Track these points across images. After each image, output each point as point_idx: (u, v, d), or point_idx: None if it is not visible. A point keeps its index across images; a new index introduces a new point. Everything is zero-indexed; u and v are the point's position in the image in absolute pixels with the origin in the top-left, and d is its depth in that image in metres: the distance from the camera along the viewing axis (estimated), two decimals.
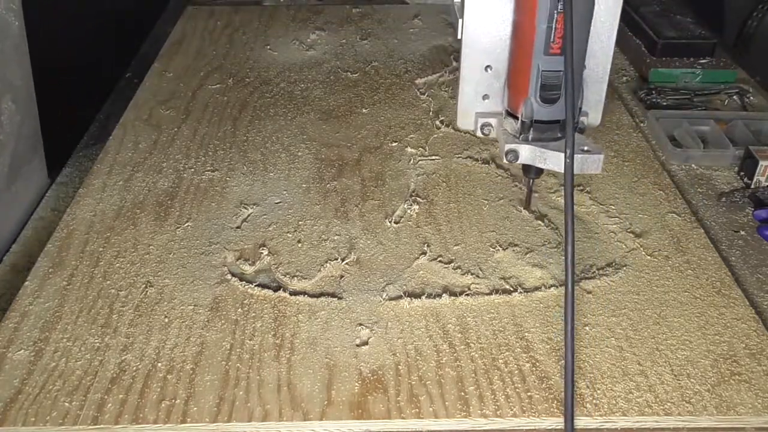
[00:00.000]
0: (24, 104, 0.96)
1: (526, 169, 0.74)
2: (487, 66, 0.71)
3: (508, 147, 0.70)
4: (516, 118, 0.69)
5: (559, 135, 0.68)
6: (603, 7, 0.66)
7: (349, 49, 1.34)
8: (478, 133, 0.74)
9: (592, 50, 0.67)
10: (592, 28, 0.66)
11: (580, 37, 0.64)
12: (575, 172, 0.66)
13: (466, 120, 0.74)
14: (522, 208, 0.91)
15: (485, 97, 0.72)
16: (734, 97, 1.17)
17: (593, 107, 0.70)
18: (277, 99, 1.17)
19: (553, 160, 0.68)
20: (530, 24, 0.64)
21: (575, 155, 0.66)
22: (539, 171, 0.72)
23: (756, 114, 1.12)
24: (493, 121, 0.73)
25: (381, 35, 1.39)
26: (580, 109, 0.70)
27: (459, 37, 0.70)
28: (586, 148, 0.68)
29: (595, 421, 0.65)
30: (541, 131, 0.68)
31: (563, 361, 0.70)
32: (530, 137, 0.69)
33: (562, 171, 0.66)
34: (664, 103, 1.15)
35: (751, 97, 1.17)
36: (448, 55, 1.30)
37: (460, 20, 0.70)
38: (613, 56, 0.69)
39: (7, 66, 0.92)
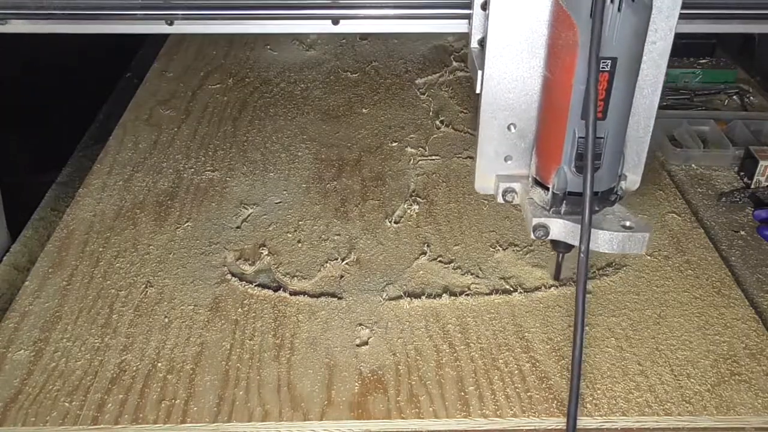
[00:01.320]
0: None
1: (555, 243, 0.65)
2: (511, 124, 0.62)
3: (536, 221, 0.61)
4: (546, 188, 0.60)
5: (596, 208, 0.60)
6: (647, 58, 0.57)
7: (349, 49, 1.34)
8: (499, 199, 0.65)
9: (634, 107, 0.58)
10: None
11: (624, 96, 0.56)
12: (616, 251, 0.59)
13: (484, 183, 0.65)
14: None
15: (508, 158, 0.64)
16: (734, 97, 1.17)
17: (632, 169, 0.62)
18: (277, 99, 1.17)
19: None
20: (566, 83, 0.55)
21: (619, 234, 0.59)
22: (570, 246, 0.64)
23: (756, 114, 1.12)
24: (517, 186, 0.64)
25: (381, 35, 1.39)
26: (620, 175, 0.61)
27: (478, 91, 0.61)
28: (628, 224, 0.59)
29: (595, 421, 0.65)
30: (575, 204, 0.59)
31: (563, 361, 0.70)
32: (563, 210, 0.60)
33: (599, 250, 0.59)
34: (664, 103, 1.15)
35: (751, 97, 1.17)
36: (448, 55, 1.30)
37: (479, 72, 0.61)
38: (656, 112, 0.61)
39: None
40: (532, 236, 0.61)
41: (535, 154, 0.62)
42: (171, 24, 0.73)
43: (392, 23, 0.75)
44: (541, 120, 0.60)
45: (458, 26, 0.71)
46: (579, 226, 0.57)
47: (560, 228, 0.61)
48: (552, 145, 0.59)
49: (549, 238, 0.61)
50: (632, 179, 0.62)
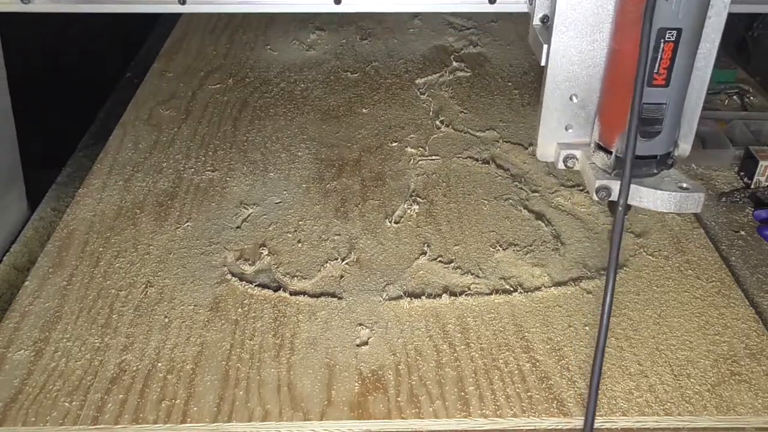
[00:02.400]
0: (1, 132, 0.91)
1: (613, 205, 0.68)
2: (573, 95, 0.66)
3: (599, 183, 0.64)
4: (608, 152, 0.64)
5: (655, 171, 0.64)
6: (703, 33, 0.61)
7: (349, 49, 1.34)
8: (560, 165, 0.69)
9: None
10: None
11: (686, 66, 0.60)
12: (674, 210, 0.63)
13: (545, 151, 0.69)
14: (521, 208, 0.91)
15: (568, 127, 0.67)
16: (734, 97, 1.17)
17: (684, 138, 0.66)
18: (277, 99, 1.17)
19: (649, 198, 0.64)
20: (633, 53, 0.59)
21: (677, 194, 0.63)
22: (628, 208, 0.66)
23: (756, 114, 1.12)
24: (578, 153, 0.68)
25: (381, 35, 1.39)
26: (676, 141, 0.65)
27: (543, 63, 0.65)
28: (684, 185, 0.63)
29: (595, 421, 0.65)
30: (637, 167, 0.63)
31: (563, 361, 0.70)
32: None
33: (657, 209, 0.64)
34: None
35: (751, 97, 1.17)
36: (448, 55, 1.30)
37: (545, 46, 0.64)
38: (708, 85, 0.65)
39: None
40: (595, 197, 0.65)
41: (599, 121, 0.65)
42: (183, 3, 0.76)
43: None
44: (607, 89, 0.64)
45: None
46: (639, 187, 0.62)
47: None
48: (617, 111, 0.62)
49: (611, 198, 0.65)
50: (684, 147, 0.66)
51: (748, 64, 1.31)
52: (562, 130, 0.67)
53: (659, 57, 0.58)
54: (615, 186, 0.64)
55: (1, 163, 0.90)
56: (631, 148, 0.58)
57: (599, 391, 0.67)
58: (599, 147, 0.65)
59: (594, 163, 0.66)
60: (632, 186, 0.63)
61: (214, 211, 0.91)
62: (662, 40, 0.57)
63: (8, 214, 0.91)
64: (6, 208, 0.91)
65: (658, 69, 0.59)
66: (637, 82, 0.57)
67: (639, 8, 0.57)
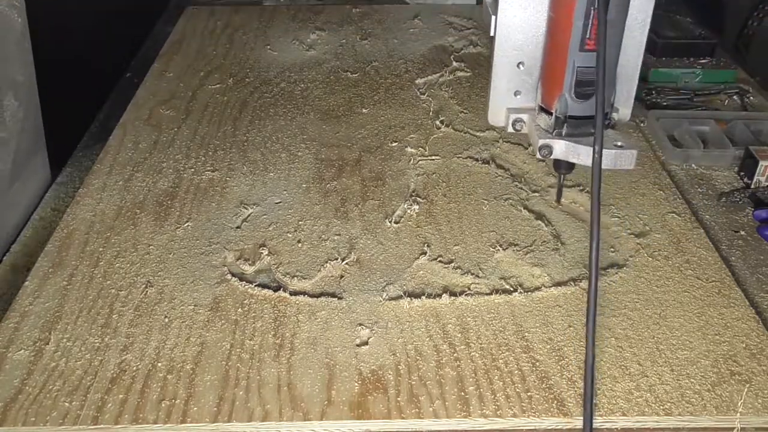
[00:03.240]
0: (26, 100, 0.96)
1: (558, 164, 0.74)
2: (520, 63, 0.71)
3: (542, 142, 0.70)
4: (550, 113, 0.70)
5: (593, 130, 0.67)
6: (636, 3, 0.66)
7: (349, 49, 1.34)
8: (509, 129, 0.74)
9: (624, 46, 0.68)
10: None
11: (615, 33, 0.65)
12: (608, 167, 0.66)
13: (496, 116, 0.74)
14: (521, 208, 0.91)
15: (517, 93, 0.73)
16: (734, 97, 1.17)
17: (624, 103, 0.71)
18: (277, 99, 1.17)
19: (587, 155, 0.69)
20: (567, 21, 0.65)
21: (612, 151, 0.67)
22: (570, 166, 0.73)
23: (756, 114, 1.12)
24: (525, 116, 0.73)
25: (381, 35, 1.39)
26: (612, 104, 0.70)
27: (492, 34, 0.71)
28: (619, 143, 0.68)
29: (595, 421, 0.65)
30: (575, 127, 0.69)
31: (563, 361, 0.70)
32: (564, 132, 0.69)
33: None
34: (664, 103, 1.15)
35: (751, 97, 1.17)
36: (448, 55, 1.30)
37: (493, 17, 0.70)
38: (644, 52, 0.70)
39: (10, 63, 0.92)
40: (538, 156, 0.70)
41: (541, 85, 0.71)
42: None
43: None
44: (547, 55, 0.69)
45: None
46: (578, 145, 0.68)
47: (562, 147, 0.70)
48: (555, 75, 0.68)
49: (552, 156, 0.70)
50: (624, 112, 0.71)
51: (747, 55, 1.31)
52: (511, 96, 0.73)
53: (589, 24, 0.63)
54: (556, 144, 0.69)
55: (27, 129, 0.95)
56: (600, 104, 0.62)
57: (598, 391, 0.67)
58: (542, 109, 0.71)
59: (538, 124, 0.71)
60: (572, 144, 0.69)
61: (214, 211, 0.91)
62: (592, 8, 0.62)
63: (34, 177, 0.97)
64: (32, 172, 0.96)
65: (590, 35, 0.64)
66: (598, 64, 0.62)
67: None
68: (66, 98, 1.08)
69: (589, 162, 0.68)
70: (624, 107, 0.72)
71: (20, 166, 0.93)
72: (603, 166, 0.66)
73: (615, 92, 0.70)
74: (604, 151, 0.65)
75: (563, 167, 0.74)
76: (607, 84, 0.66)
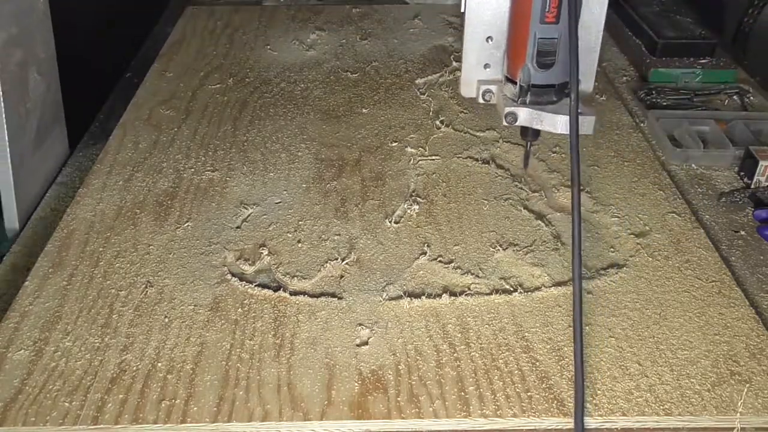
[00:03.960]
0: (48, 75, 1.03)
1: (524, 131, 0.78)
2: (489, 37, 0.75)
3: (507, 110, 0.74)
4: (514, 83, 0.74)
5: (554, 99, 0.73)
6: None
7: (349, 49, 1.34)
8: (480, 100, 0.78)
9: (584, 21, 0.71)
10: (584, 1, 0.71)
11: (572, 7, 0.69)
12: (566, 132, 0.71)
13: (468, 88, 0.78)
14: (521, 208, 0.91)
15: (486, 66, 0.77)
16: (734, 97, 1.17)
17: (586, 75, 0.74)
18: (277, 99, 1.17)
19: (548, 122, 0.73)
20: None
21: (566, 116, 0.70)
22: (536, 134, 0.77)
23: (756, 114, 1.12)
24: (493, 87, 0.77)
25: (381, 35, 1.39)
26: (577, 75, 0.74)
27: (462, 10, 0.75)
28: (579, 110, 0.71)
29: (595, 421, 0.65)
30: (537, 95, 0.73)
31: (563, 361, 0.70)
32: (528, 101, 0.73)
33: (557, 131, 0.72)
34: (664, 103, 1.15)
35: (751, 97, 1.17)
36: (448, 55, 1.30)
37: None
38: (604, 27, 0.74)
39: (33, 40, 0.98)
40: (504, 123, 0.74)
41: (506, 57, 0.75)
42: None
43: None
44: (511, 27, 0.74)
45: None
46: (541, 113, 0.73)
47: (526, 115, 0.74)
48: (518, 46, 0.72)
49: (517, 123, 0.75)
50: (586, 84, 0.75)
51: (744, 53, 1.31)
52: (481, 69, 0.77)
53: None
54: (520, 112, 0.74)
55: (48, 102, 1.03)
56: (574, 73, 0.67)
57: (599, 391, 0.67)
58: (508, 79, 0.76)
59: (505, 94, 0.76)
60: (535, 112, 0.73)
61: (214, 211, 0.91)
62: None
63: (54, 147, 1.04)
64: (52, 142, 1.03)
65: (549, 8, 0.68)
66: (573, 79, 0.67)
67: None
68: (66, 98, 1.08)
69: (550, 128, 0.73)
70: (586, 80, 0.75)
71: (42, 136, 1.00)
72: (562, 131, 0.72)
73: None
74: (564, 117, 0.71)
75: (530, 134, 0.78)
76: (566, 54, 0.70)
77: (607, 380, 0.68)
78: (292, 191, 0.95)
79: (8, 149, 0.91)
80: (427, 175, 0.98)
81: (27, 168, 0.95)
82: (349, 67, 1.27)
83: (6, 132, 0.90)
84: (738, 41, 1.39)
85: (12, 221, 0.92)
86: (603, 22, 0.74)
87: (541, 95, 0.73)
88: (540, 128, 0.75)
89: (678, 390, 0.67)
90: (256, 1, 1.58)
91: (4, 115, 0.89)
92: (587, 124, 0.71)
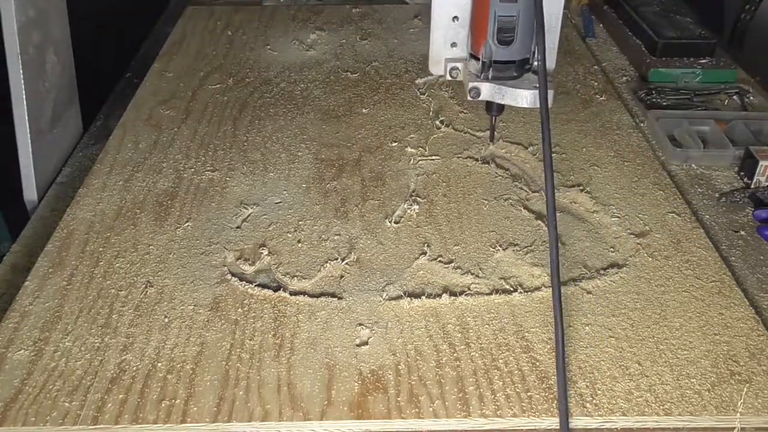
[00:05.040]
0: (64, 57, 1.08)
1: (489, 106, 0.82)
2: (455, 17, 0.79)
3: (471, 85, 0.78)
4: (478, 59, 0.78)
5: (515, 74, 0.77)
6: None
7: (349, 49, 1.34)
8: (447, 77, 0.82)
9: (545, 1, 0.73)
10: None
11: None
12: (529, 105, 0.76)
13: (436, 66, 0.82)
14: (521, 208, 0.91)
15: (453, 44, 0.81)
16: (734, 97, 1.17)
17: (548, 53, 0.76)
18: (277, 99, 1.17)
19: (510, 96, 0.77)
20: None
21: (531, 91, 0.76)
22: (500, 108, 0.82)
23: (756, 114, 1.12)
24: (459, 65, 0.81)
25: (381, 35, 1.39)
26: (534, 52, 0.78)
27: None
28: (537, 85, 0.75)
29: (595, 421, 0.65)
30: (499, 71, 0.77)
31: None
32: (490, 76, 0.77)
33: (519, 105, 0.76)
34: (664, 103, 1.15)
35: (751, 97, 1.17)
36: None
37: None
38: (563, 7, 0.78)
39: (50, 22, 1.03)
40: (469, 98, 0.78)
41: (470, 35, 0.79)
42: None
43: None
44: (474, 7, 0.78)
45: None
46: (501, 87, 0.77)
47: (488, 89, 0.78)
48: (480, 24, 0.76)
49: (480, 98, 0.78)
50: (549, 61, 0.77)
51: (741, 51, 1.31)
52: (448, 48, 0.81)
53: None
54: (483, 87, 0.78)
55: (64, 82, 1.08)
56: (541, 53, 0.71)
57: (599, 391, 0.67)
58: (472, 56, 0.80)
59: (469, 70, 0.79)
60: (497, 86, 0.77)
61: (214, 211, 0.91)
62: None
63: (69, 125, 1.09)
64: (67, 121, 1.09)
65: None
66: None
67: None
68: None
69: (512, 102, 0.77)
70: (548, 57, 0.77)
71: (58, 114, 1.05)
72: (524, 105, 0.76)
73: (535, 41, 0.76)
74: (525, 91, 0.75)
75: (494, 109, 0.82)
76: (526, 32, 0.75)
77: (607, 380, 0.68)
78: (292, 191, 0.95)
79: (28, 125, 0.95)
80: (427, 175, 0.98)
81: (45, 144, 1.00)
82: (349, 67, 1.27)
83: (26, 109, 0.95)
84: (734, 41, 1.39)
85: (31, 193, 0.98)
86: (563, 2, 0.78)
87: (503, 71, 0.77)
88: (502, 102, 0.78)
89: (678, 390, 0.67)
90: (256, 1, 1.58)
91: (24, 94, 0.94)
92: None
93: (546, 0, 0.73)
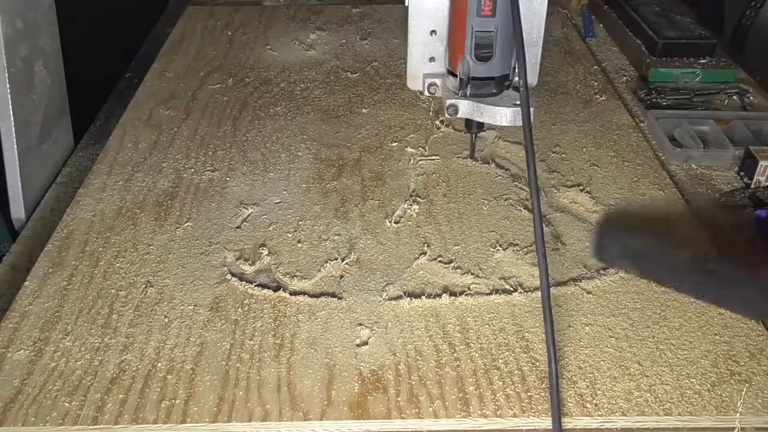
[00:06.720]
0: (53, 69, 1.05)
1: (468, 123, 0.80)
2: (432, 31, 0.77)
3: (449, 102, 0.75)
4: (455, 76, 0.75)
5: (494, 91, 0.75)
6: None
7: (349, 49, 1.34)
8: (426, 93, 0.80)
9: (526, 16, 0.72)
10: None
11: (507, 2, 0.70)
12: (509, 123, 0.74)
13: (414, 81, 0.80)
14: (521, 208, 0.91)
15: (431, 59, 0.78)
16: (734, 97, 1.17)
17: (530, 69, 0.75)
18: (277, 99, 1.17)
19: (489, 114, 0.74)
20: None
21: (510, 109, 0.74)
22: (480, 125, 0.79)
23: (756, 114, 1.12)
24: (438, 81, 0.79)
25: (381, 35, 1.39)
26: (515, 68, 0.76)
27: (406, 4, 0.76)
28: (518, 102, 0.72)
29: (595, 421, 0.65)
30: (477, 87, 0.74)
31: (563, 362, 0.70)
32: (468, 93, 0.75)
33: (497, 123, 0.74)
34: (664, 103, 1.15)
35: (751, 97, 1.17)
36: None
37: None
38: (545, 20, 0.76)
39: (39, 34, 1.00)
40: (447, 114, 0.76)
41: (448, 50, 0.76)
42: None
43: None
44: (451, 21, 0.75)
45: None
46: (480, 105, 0.74)
47: (466, 107, 0.75)
48: (458, 40, 0.74)
49: (458, 115, 0.76)
50: (530, 77, 0.76)
51: (743, 52, 1.31)
52: (426, 62, 0.78)
53: None
54: (461, 104, 0.75)
55: (53, 95, 1.05)
56: (522, 66, 0.68)
57: (599, 392, 0.67)
58: (449, 72, 0.77)
59: (447, 86, 0.77)
60: (475, 104, 0.75)
61: (214, 211, 0.91)
62: None
63: (59, 140, 1.06)
64: (58, 135, 1.05)
65: (485, 1, 0.69)
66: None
67: None
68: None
69: (490, 120, 0.75)
70: (531, 73, 0.76)
71: (48, 128, 1.02)
72: (504, 123, 0.74)
73: (515, 56, 0.75)
74: (504, 109, 0.73)
75: (474, 127, 0.80)
76: (505, 48, 0.73)
77: (607, 380, 0.68)
78: (292, 191, 0.95)
79: (15, 141, 0.92)
80: (427, 175, 0.98)
81: (33, 159, 0.97)
82: (349, 67, 1.27)
83: (13, 124, 0.92)
84: (736, 41, 1.39)
85: (18, 211, 0.94)
86: (544, 16, 0.75)
87: (481, 87, 0.74)
88: (480, 120, 0.76)
89: (678, 390, 0.67)
90: (256, 1, 1.58)
91: (11, 108, 0.91)
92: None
93: (527, 14, 0.72)
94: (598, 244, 0.77)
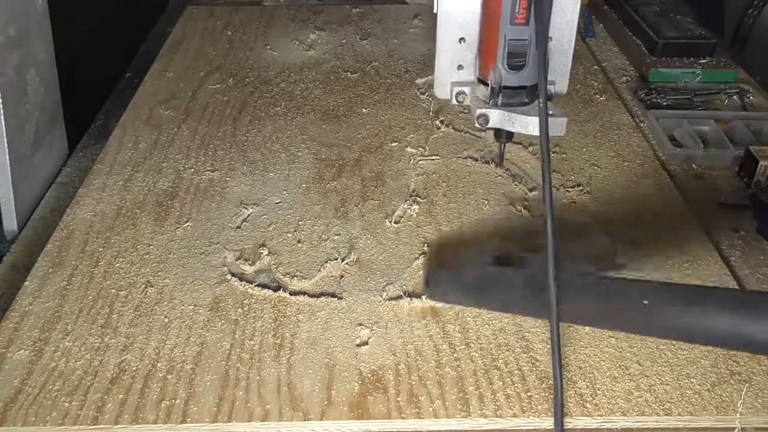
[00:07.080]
0: (47, 77, 1.03)
1: (497, 133, 0.78)
2: (461, 38, 0.74)
3: (479, 112, 0.74)
4: (486, 84, 0.74)
5: (526, 100, 0.73)
6: None
7: (349, 49, 1.34)
8: (453, 101, 0.78)
9: (558, 23, 0.71)
10: (556, 2, 0.69)
11: (542, 10, 0.68)
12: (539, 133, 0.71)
13: (442, 90, 0.78)
14: (522, 208, 0.91)
15: (460, 67, 0.76)
16: (734, 97, 1.17)
17: (560, 77, 0.74)
18: (277, 99, 1.17)
19: (520, 123, 0.72)
20: None
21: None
22: (509, 135, 0.77)
23: (756, 114, 1.12)
24: (466, 89, 0.77)
25: (381, 35, 1.39)
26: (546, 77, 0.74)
27: (435, 11, 0.75)
28: (551, 112, 0.71)
29: (595, 421, 0.65)
30: (509, 96, 0.72)
31: (563, 361, 0.70)
32: (499, 102, 0.73)
33: (529, 133, 0.72)
34: (664, 103, 1.15)
35: (751, 97, 1.17)
36: None
37: None
38: (577, 28, 0.74)
39: (32, 41, 0.98)
40: (477, 124, 0.74)
41: (478, 58, 0.75)
42: None
43: None
44: (482, 29, 0.73)
45: None
46: (512, 114, 0.72)
47: (497, 116, 0.73)
48: (489, 48, 0.72)
49: (489, 125, 0.74)
50: (560, 85, 0.75)
51: (744, 52, 1.31)
52: (455, 70, 0.76)
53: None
54: (492, 114, 0.73)
55: (47, 103, 1.03)
56: (542, 75, 0.67)
57: (599, 392, 0.67)
58: (480, 81, 0.75)
59: (477, 95, 0.75)
60: (507, 113, 0.73)
61: (214, 211, 0.91)
62: None
63: (53, 149, 1.04)
64: (52, 144, 1.04)
65: (519, 9, 0.68)
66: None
67: None
68: (66, 98, 1.09)
69: (522, 130, 0.73)
70: (561, 81, 0.75)
71: (41, 138, 1.00)
72: (534, 133, 0.71)
73: (548, 66, 0.73)
74: (537, 119, 0.70)
75: (503, 136, 0.78)
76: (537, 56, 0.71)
77: (607, 380, 0.68)
78: (292, 191, 0.95)
79: (7, 151, 0.90)
80: (427, 175, 0.98)
81: (26, 170, 0.95)
82: (349, 67, 1.27)
83: (5, 134, 0.90)
84: (737, 40, 1.39)
85: (11, 223, 0.92)
86: (576, 23, 0.73)
87: (513, 97, 0.73)
88: (512, 130, 0.74)
89: (678, 390, 0.67)
90: (256, 1, 1.58)
91: (2, 117, 0.89)
92: (558, 125, 0.71)
93: (559, 22, 0.71)
94: (425, 284, 0.78)
